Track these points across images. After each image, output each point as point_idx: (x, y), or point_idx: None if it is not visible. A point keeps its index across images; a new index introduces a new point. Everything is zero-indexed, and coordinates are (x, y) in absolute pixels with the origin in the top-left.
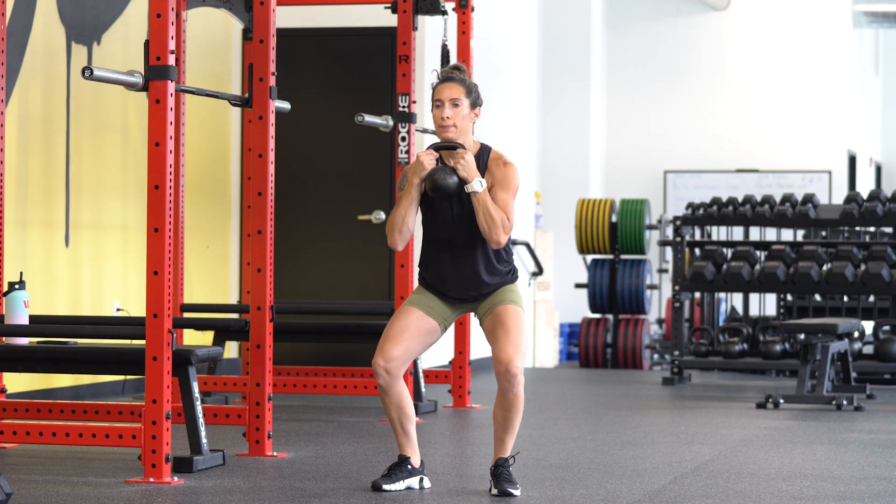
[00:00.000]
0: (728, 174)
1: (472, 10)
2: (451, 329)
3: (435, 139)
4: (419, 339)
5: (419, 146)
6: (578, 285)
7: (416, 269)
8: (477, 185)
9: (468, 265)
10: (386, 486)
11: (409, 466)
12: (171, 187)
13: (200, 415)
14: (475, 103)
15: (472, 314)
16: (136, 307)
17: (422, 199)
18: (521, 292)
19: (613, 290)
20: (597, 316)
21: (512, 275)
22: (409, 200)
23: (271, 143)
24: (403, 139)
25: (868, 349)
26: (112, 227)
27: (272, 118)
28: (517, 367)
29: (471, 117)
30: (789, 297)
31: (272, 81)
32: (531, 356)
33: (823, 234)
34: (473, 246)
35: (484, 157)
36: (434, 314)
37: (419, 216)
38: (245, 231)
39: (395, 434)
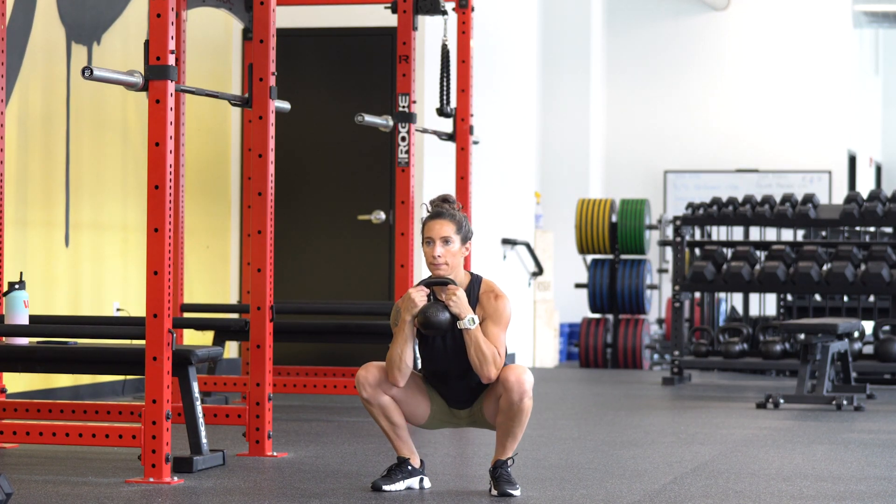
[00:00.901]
0: (728, 174)
1: (472, 10)
2: None
3: (435, 140)
4: (408, 394)
5: (419, 146)
6: (578, 285)
7: (416, 272)
8: (469, 322)
9: (463, 391)
10: (385, 487)
11: (409, 467)
12: (171, 187)
13: (200, 415)
14: (466, 238)
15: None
16: (136, 307)
17: (416, 331)
18: None
19: (613, 290)
20: (597, 316)
21: None
22: (403, 338)
23: (271, 143)
24: (403, 139)
25: (868, 349)
26: (112, 227)
27: (272, 118)
28: (526, 380)
29: (462, 252)
30: (789, 297)
31: (272, 81)
32: (531, 356)
33: (823, 234)
34: (468, 376)
35: (475, 289)
36: (432, 399)
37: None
38: (245, 231)
39: (389, 440)
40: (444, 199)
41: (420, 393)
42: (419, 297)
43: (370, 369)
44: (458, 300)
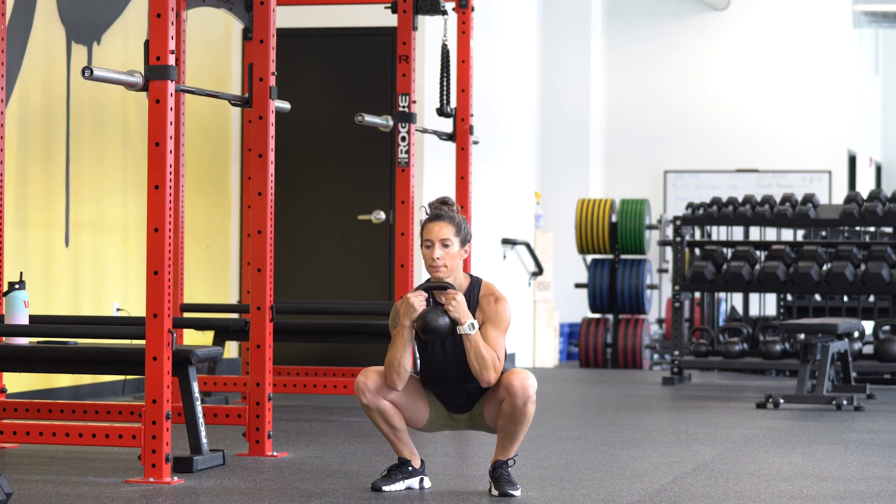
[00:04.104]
0: (728, 174)
1: (472, 10)
2: None
3: (435, 140)
4: (408, 399)
5: (419, 146)
6: (578, 285)
7: (416, 273)
8: (468, 327)
9: (462, 395)
10: (385, 487)
11: (410, 467)
12: (171, 187)
13: (200, 415)
14: (465, 240)
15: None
16: (136, 307)
17: (415, 335)
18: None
19: (613, 290)
20: (597, 316)
21: None
22: (402, 342)
23: (271, 143)
24: (403, 139)
25: (868, 349)
26: (112, 227)
27: (272, 118)
28: (530, 385)
29: (461, 255)
30: (789, 297)
31: (272, 81)
32: (531, 356)
33: (823, 234)
34: (466, 380)
35: (475, 292)
36: (431, 403)
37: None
38: (245, 231)
39: (389, 442)
40: (442, 202)
41: (419, 397)
42: (418, 301)
43: (369, 375)
44: (458, 305)
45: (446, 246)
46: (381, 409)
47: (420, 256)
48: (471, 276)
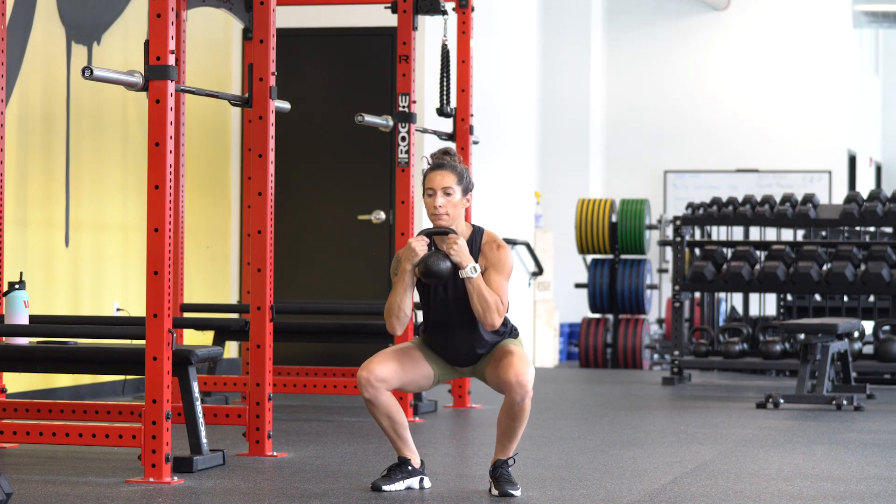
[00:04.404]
0: (728, 174)
1: (472, 10)
2: None
3: (435, 140)
4: (409, 373)
5: (419, 146)
6: (578, 285)
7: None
8: (470, 270)
9: (465, 343)
10: (385, 487)
11: (409, 467)
12: (171, 187)
13: (200, 415)
14: (467, 189)
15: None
16: (136, 307)
17: (417, 281)
18: (524, 344)
19: (613, 290)
20: (597, 316)
21: (510, 333)
22: (403, 287)
23: (271, 143)
24: (403, 139)
25: (868, 349)
26: (112, 227)
27: (272, 118)
28: (527, 381)
29: (463, 203)
30: (789, 297)
31: (272, 81)
32: (531, 356)
33: (823, 234)
34: (469, 326)
35: (477, 240)
36: (432, 363)
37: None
38: (245, 231)
39: (390, 440)
40: (445, 152)
41: (420, 362)
42: (420, 246)
43: (370, 368)
44: (459, 249)
45: (448, 194)
46: (384, 402)
47: None
48: (473, 225)
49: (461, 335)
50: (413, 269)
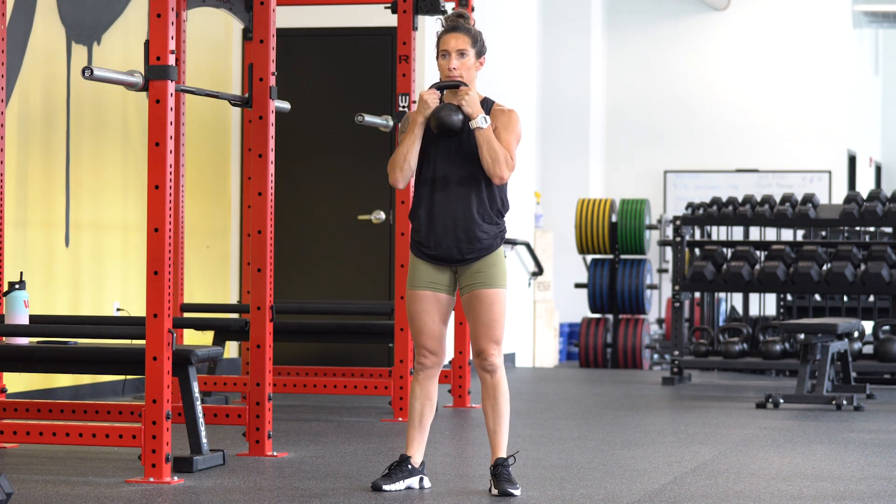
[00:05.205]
0: (728, 174)
1: (472, 9)
2: (452, 328)
3: None
4: (444, 319)
5: None
6: (578, 285)
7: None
8: (481, 120)
9: (461, 205)
10: (386, 487)
11: (410, 466)
12: (171, 187)
13: (200, 415)
14: (480, 52)
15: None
16: (136, 307)
17: (423, 135)
18: (505, 264)
19: (613, 290)
20: (597, 316)
21: (500, 238)
22: (412, 139)
23: (271, 143)
24: None
25: (868, 349)
26: (112, 227)
27: (272, 118)
28: (493, 355)
29: (476, 66)
30: (789, 297)
31: (272, 81)
32: (531, 356)
33: (823, 234)
34: (468, 185)
35: (487, 106)
36: (439, 286)
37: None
38: (245, 231)
39: (409, 428)
40: (459, 15)
41: (433, 303)
42: (432, 98)
43: (432, 350)
44: (470, 100)
45: (463, 56)
46: (429, 389)
47: None
48: (484, 95)
49: (456, 205)
50: (424, 121)
